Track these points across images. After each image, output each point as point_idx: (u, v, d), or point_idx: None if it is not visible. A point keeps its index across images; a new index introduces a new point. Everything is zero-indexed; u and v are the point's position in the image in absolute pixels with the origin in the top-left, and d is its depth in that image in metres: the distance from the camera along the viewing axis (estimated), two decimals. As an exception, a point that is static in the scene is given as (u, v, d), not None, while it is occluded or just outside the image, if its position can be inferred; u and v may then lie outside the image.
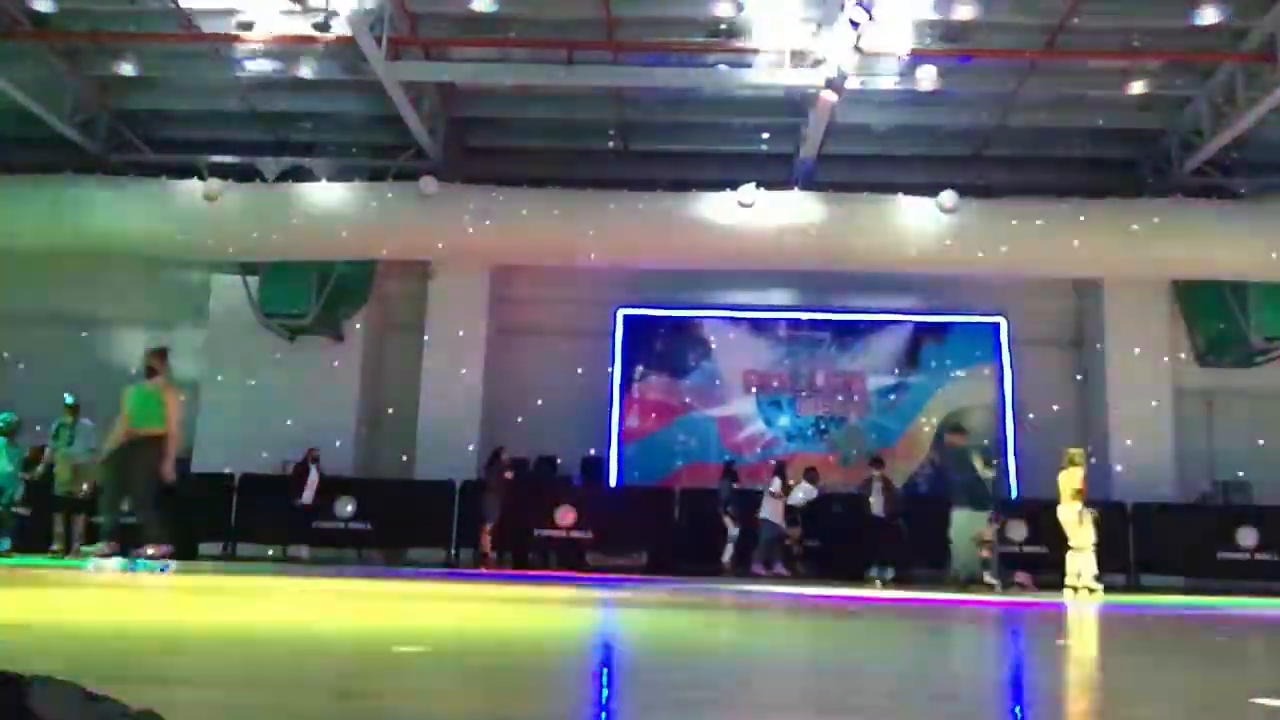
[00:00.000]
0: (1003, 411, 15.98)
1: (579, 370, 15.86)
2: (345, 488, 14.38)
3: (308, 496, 13.85)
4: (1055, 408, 15.81)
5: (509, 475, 13.74)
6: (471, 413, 15.41)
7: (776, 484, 13.30)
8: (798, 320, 16.56)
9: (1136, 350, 15.24)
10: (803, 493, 13.59)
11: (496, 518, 13.47)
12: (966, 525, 11.16)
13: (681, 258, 15.05)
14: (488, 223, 14.72)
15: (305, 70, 14.02)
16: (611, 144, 15.99)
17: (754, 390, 16.28)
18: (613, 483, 15.70)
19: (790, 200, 14.86)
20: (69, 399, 12.32)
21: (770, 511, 13.14)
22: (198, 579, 7.75)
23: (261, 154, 15.68)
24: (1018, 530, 13.72)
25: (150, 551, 8.23)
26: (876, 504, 13.34)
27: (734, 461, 14.56)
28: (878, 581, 12.52)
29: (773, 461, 14.46)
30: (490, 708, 1.76)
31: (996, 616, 6.54)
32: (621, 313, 16.32)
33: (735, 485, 13.98)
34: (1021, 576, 13.09)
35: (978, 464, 11.60)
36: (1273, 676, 3.50)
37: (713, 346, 16.38)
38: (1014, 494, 15.18)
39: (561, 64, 13.17)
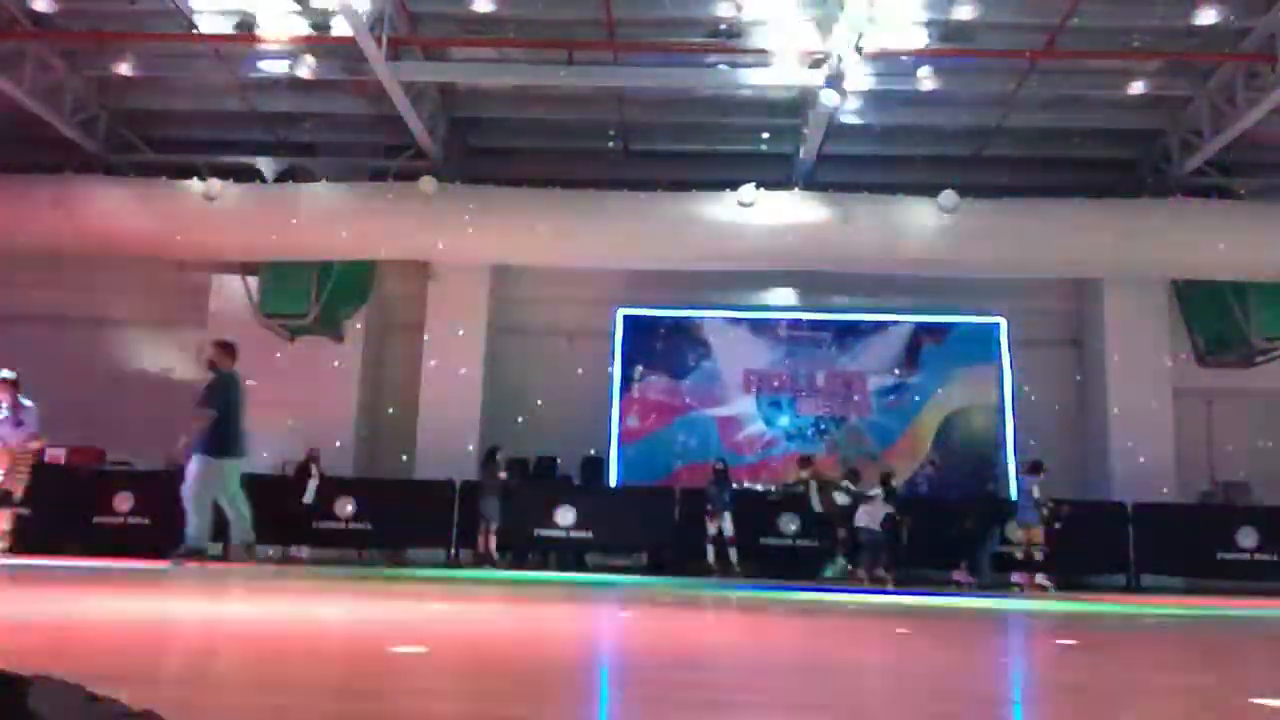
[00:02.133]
0: (1003, 412, 15.98)
1: (579, 370, 15.87)
2: (345, 488, 14.37)
3: (308, 497, 13.85)
4: (1055, 408, 15.83)
5: (503, 475, 13.76)
6: (471, 413, 15.42)
7: (878, 489, 13.06)
8: (798, 320, 16.57)
9: (1136, 350, 15.25)
10: (844, 494, 13.41)
11: (498, 518, 13.46)
12: None
13: (681, 258, 15.06)
14: (488, 223, 14.73)
15: (305, 70, 14.03)
16: (611, 144, 16.00)
17: (754, 390, 16.28)
18: (613, 483, 15.71)
19: (790, 200, 14.86)
20: (8, 374, 9.94)
21: (868, 519, 12.77)
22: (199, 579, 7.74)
23: (261, 154, 15.69)
24: (1018, 531, 13.68)
25: None
26: (815, 502, 13.38)
27: (724, 461, 14.38)
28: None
29: (879, 469, 13.86)
30: (490, 708, 1.76)
31: (1020, 619, 6.53)
32: (621, 313, 16.32)
33: (735, 486, 13.96)
34: (1020, 577, 13.10)
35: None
36: None
37: (713, 346, 16.38)
38: (1014, 496, 15.17)
39: (561, 64, 13.18)
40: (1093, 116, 14.85)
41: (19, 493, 9.81)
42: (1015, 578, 12.84)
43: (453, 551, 14.14)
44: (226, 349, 9.33)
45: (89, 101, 15.11)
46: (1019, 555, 12.83)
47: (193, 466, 8.80)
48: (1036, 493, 12.72)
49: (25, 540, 12.17)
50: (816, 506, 13.50)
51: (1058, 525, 12.55)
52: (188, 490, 8.81)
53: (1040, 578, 12.51)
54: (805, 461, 14.16)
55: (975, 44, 13.06)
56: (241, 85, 14.64)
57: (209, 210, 14.56)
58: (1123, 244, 14.51)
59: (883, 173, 15.47)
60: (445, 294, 15.82)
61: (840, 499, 13.30)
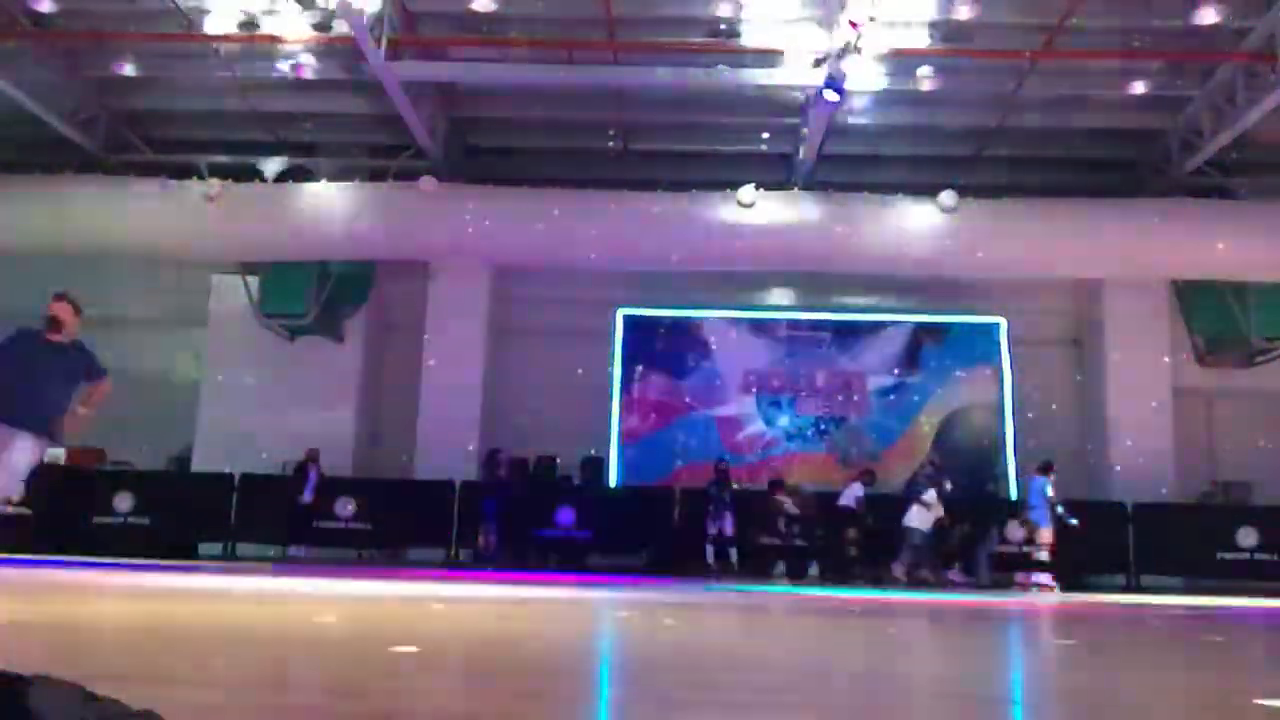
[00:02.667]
0: (1002, 412, 15.98)
1: (579, 370, 15.86)
2: (345, 488, 14.38)
3: (308, 496, 13.85)
4: (1055, 407, 15.82)
5: (502, 473, 13.78)
6: (471, 413, 15.41)
7: (932, 494, 12.88)
8: (798, 320, 16.56)
9: (1136, 350, 15.24)
10: (854, 493, 13.39)
11: (498, 519, 13.48)
12: None
13: (681, 258, 15.05)
14: (488, 223, 14.73)
15: (305, 70, 14.03)
16: (611, 144, 15.99)
17: (754, 390, 16.27)
18: (613, 483, 15.71)
19: (790, 200, 14.86)
20: None
21: (920, 521, 12.69)
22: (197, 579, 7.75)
23: (261, 154, 15.68)
24: (1017, 532, 13.69)
25: None
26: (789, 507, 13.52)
27: (725, 461, 14.37)
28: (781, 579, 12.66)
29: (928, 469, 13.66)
30: (489, 708, 1.76)
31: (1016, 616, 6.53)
32: (621, 313, 16.31)
33: (735, 485, 13.96)
34: (1023, 577, 13.10)
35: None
36: None
37: (713, 346, 16.37)
38: (1014, 496, 15.19)
39: (561, 64, 13.17)
40: (1093, 116, 14.84)
41: None
42: (1019, 577, 12.83)
43: (453, 551, 14.15)
44: (79, 312, 6.98)
45: (89, 101, 15.10)
46: (1040, 555, 12.77)
47: (36, 454, 6.52)
48: (1050, 492, 12.71)
49: (25, 540, 12.20)
50: (792, 510, 13.46)
51: (1074, 522, 12.51)
52: (21, 480, 6.58)
53: (1045, 577, 12.50)
54: (775, 487, 14.01)
55: (975, 44, 13.05)
56: (241, 85, 14.63)
57: (209, 210, 14.55)
58: (1123, 244, 14.49)
59: (883, 173, 15.46)
60: (445, 294, 15.82)
61: (847, 500, 13.26)
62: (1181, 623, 6.66)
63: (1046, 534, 12.59)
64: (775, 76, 13.32)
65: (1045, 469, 12.90)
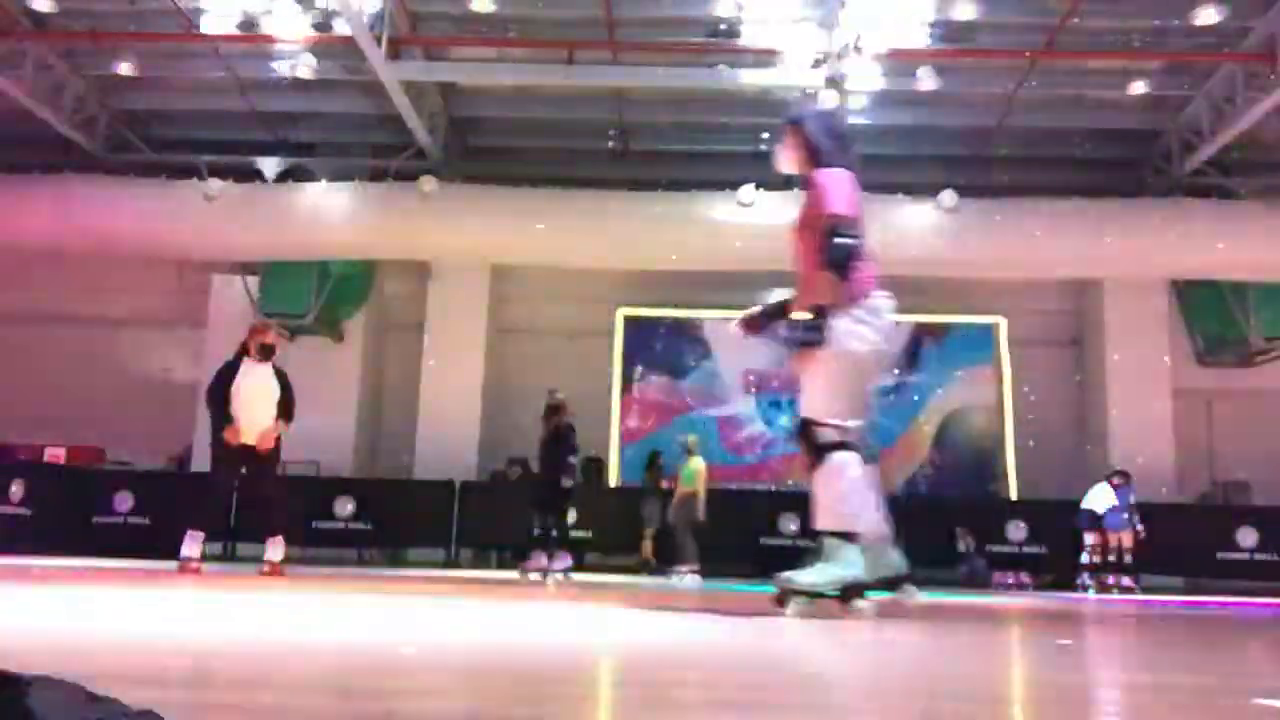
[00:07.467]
0: (1002, 412, 15.97)
1: (579, 370, 15.87)
2: (345, 488, 14.38)
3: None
4: (1055, 408, 15.82)
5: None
6: (471, 413, 15.42)
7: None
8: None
9: (1136, 350, 15.24)
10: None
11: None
12: None
13: (681, 258, 15.06)
14: (488, 223, 14.75)
15: (305, 70, 14.04)
16: (611, 144, 15.99)
17: (754, 390, 16.27)
18: (613, 483, 15.70)
19: (790, 200, 14.82)
20: None
21: None
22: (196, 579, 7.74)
23: (261, 154, 15.68)
24: (1017, 531, 13.70)
25: None
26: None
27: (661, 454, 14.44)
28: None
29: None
30: (489, 708, 1.76)
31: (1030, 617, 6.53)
32: (621, 313, 16.31)
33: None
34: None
35: None
36: None
37: (713, 346, 16.37)
38: (1015, 495, 15.19)
39: (561, 64, 13.18)
40: (1093, 116, 14.84)
41: None
42: (1110, 580, 13.00)
43: (453, 551, 14.15)
44: None
45: (89, 101, 15.10)
46: (1111, 558, 12.92)
47: None
48: (1132, 499, 12.87)
49: (25, 540, 12.19)
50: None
51: (1139, 529, 12.75)
52: None
53: (1126, 579, 12.69)
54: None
55: (975, 44, 13.06)
56: (241, 85, 14.64)
57: (209, 210, 14.56)
58: (1123, 244, 14.50)
59: (883, 173, 15.45)
60: (445, 294, 15.83)
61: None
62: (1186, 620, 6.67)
63: (1126, 537, 12.80)
64: (775, 76, 13.33)
65: (1126, 478, 13.04)
